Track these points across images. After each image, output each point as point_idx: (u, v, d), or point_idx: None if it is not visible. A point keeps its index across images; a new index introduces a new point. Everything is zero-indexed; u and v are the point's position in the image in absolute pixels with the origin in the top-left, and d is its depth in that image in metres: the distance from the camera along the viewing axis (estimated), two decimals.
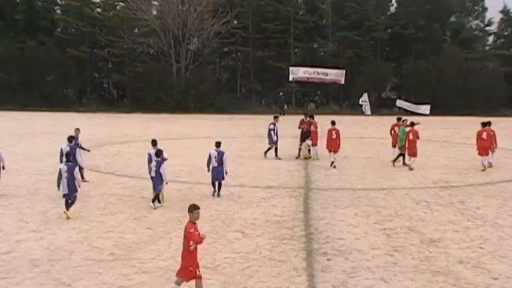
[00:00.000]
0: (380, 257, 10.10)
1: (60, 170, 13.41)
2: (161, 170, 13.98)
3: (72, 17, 57.75)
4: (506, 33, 60.66)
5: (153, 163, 14.22)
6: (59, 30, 60.29)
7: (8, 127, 31.49)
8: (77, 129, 17.70)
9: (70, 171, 13.27)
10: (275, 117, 23.42)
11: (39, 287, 8.55)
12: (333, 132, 21.26)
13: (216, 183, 15.48)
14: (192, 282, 8.00)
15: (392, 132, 21.97)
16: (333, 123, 21.62)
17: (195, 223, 8.04)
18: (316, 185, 17.16)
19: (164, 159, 14.58)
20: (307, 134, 22.46)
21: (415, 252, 10.49)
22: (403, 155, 20.80)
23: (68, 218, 12.85)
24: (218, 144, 15.66)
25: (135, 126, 35.72)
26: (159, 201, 14.19)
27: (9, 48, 54.08)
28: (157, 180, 14.08)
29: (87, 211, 13.46)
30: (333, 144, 21.15)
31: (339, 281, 8.92)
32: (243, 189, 16.20)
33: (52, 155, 22.06)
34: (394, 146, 21.66)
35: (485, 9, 60.57)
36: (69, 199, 13.24)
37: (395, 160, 20.94)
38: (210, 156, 15.47)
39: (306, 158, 22.31)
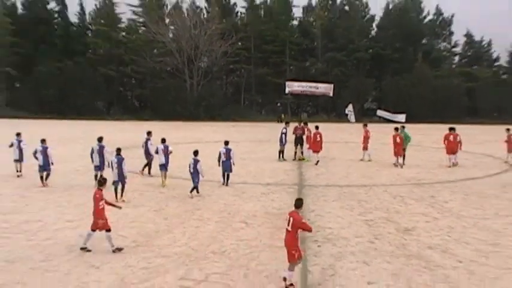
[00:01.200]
0: (362, 243, 10.09)
1: (111, 162, 14.18)
2: (198, 167, 14.38)
3: (101, 40, 58.03)
4: (469, 54, 60.75)
5: (191, 161, 14.47)
6: (90, 51, 60.55)
7: (49, 133, 31.47)
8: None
9: (119, 163, 13.85)
10: (286, 123, 23.44)
11: (73, 268, 8.56)
12: (317, 136, 21.43)
13: (225, 174, 16.10)
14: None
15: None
16: (317, 127, 21.98)
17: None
18: (308, 183, 17.14)
19: (170, 152, 16.06)
20: (300, 139, 22.48)
21: (392, 239, 10.47)
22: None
23: (122, 201, 13.39)
24: (226, 143, 16.22)
25: (154, 132, 35.67)
26: (197, 191, 14.54)
27: (50, 67, 54.34)
28: (195, 175, 14.40)
29: None
30: (317, 146, 21.34)
31: (327, 264, 8.91)
32: (246, 186, 16.19)
33: (85, 157, 22.06)
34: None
35: (451, 33, 60.74)
36: (120, 185, 13.89)
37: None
38: (220, 153, 16.03)
39: (300, 160, 22.31)
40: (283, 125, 23.73)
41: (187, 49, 53.21)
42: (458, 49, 61.27)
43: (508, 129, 22.60)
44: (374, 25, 61.70)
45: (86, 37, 60.44)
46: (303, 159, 22.26)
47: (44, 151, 16.03)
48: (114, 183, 13.89)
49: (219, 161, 16.04)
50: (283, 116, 52.36)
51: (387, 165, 21.04)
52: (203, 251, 9.52)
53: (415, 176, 18.53)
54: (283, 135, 22.33)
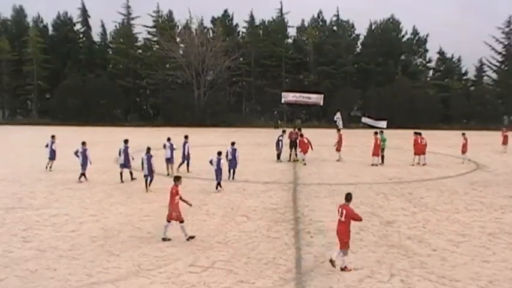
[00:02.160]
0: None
1: (142, 159, 14.84)
2: (221, 166, 14.83)
3: (120, 56, 58.10)
4: (441, 68, 60.90)
5: (215, 159, 14.81)
6: (111, 66, 60.64)
7: (73, 138, 31.50)
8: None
9: (148, 160, 14.63)
10: (283, 131, 23.49)
11: (96, 256, 8.58)
12: (305, 139, 21.64)
13: (232, 170, 16.67)
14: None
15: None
16: (300, 131, 22.44)
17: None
18: (302, 181, 17.16)
19: (174, 149, 17.14)
20: (295, 142, 22.50)
21: (376, 231, 10.49)
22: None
23: (148, 191, 14.36)
24: (233, 143, 16.71)
25: (167, 137, 35.65)
26: (220, 186, 14.84)
27: (75, 80, 54.40)
28: (218, 171, 14.76)
29: (130, 201, 13.48)
30: (306, 148, 21.43)
31: (319, 253, 8.93)
32: (247, 184, 16.21)
33: (105, 159, 22.19)
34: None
35: (426, 50, 60.91)
36: (149, 179, 14.64)
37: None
38: (227, 151, 16.54)
39: (294, 161, 22.32)
40: (279, 130, 23.85)
41: (195, 64, 53.25)
42: (432, 64, 61.44)
43: (463, 134, 22.85)
44: (359, 43, 61.75)
45: (106, 54, 60.54)
46: (297, 160, 22.29)
47: (84, 152, 16.71)
48: (145, 176, 14.71)
49: (226, 157, 16.38)
50: (279, 122, 52.32)
51: (371, 166, 21.05)
52: (209, 241, 9.54)
53: (396, 175, 18.56)
54: (280, 142, 22.44)
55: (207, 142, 32.75)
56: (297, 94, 52.44)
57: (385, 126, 46.77)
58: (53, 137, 19.29)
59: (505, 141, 27.63)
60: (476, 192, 15.13)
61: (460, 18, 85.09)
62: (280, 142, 22.42)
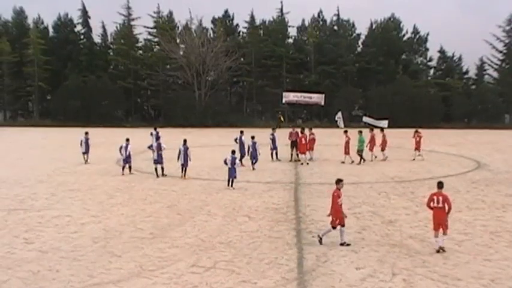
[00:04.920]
0: (351, 234, 10.10)
1: (179, 150, 16.87)
2: (235, 165, 15.22)
3: (121, 57, 58.09)
4: (442, 67, 60.72)
5: (229, 158, 15.17)
6: (111, 67, 60.64)
7: (74, 139, 31.52)
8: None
9: (185, 151, 16.75)
10: (273, 129, 23.47)
11: (98, 257, 8.58)
12: (303, 139, 21.54)
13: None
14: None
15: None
16: (302, 131, 22.15)
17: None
18: (304, 181, 17.15)
19: (163, 148, 17.69)
20: (295, 142, 22.43)
21: (378, 230, 10.48)
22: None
23: (184, 178, 16.47)
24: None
25: (168, 138, 35.70)
26: (232, 185, 15.22)
27: (76, 81, 54.44)
28: (233, 170, 15.12)
29: (132, 201, 13.50)
30: (304, 148, 21.41)
31: (321, 252, 8.92)
32: (248, 184, 16.22)
33: (107, 159, 22.25)
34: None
35: (427, 49, 60.64)
36: (185, 167, 16.76)
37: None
38: (248, 146, 18.01)
39: (295, 161, 22.30)
40: (281, 130, 23.84)
41: (196, 64, 53.22)
42: (433, 63, 61.25)
43: (416, 130, 23.02)
44: (360, 42, 61.60)
45: (107, 55, 60.48)
46: (298, 160, 22.26)
47: (126, 147, 18.18)
48: (182, 165, 16.74)
49: (248, 151, 18.83)
50: (281, 118, 51.92)
51: (372, 165, 21.04)
52: (211, 242, 9.54)
53: (397, 175, 18.54)
54: (271, 140, 22.43)
55: (208, 142, 32.76)
56: (298, 94, 52.34)
57: (386, 125, 46.81)
58: (86, 133, 21.82)
59: (417, 146, 23.07)
60: (478, 190, 15.11)
61: (460, 16, 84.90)
62: (271, 141, 22.32)
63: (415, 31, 60.64)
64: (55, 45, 58.45)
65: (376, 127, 25.47)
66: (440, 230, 8.93)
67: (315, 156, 22.84)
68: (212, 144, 30.85)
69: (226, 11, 62.28)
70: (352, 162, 21.41)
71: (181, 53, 55.80)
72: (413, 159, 22.46)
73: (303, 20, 62.70)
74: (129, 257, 8.64)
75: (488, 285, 7.40)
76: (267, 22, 61.05)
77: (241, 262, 8.34)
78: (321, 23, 62.58)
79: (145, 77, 57.38)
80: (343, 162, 21.82)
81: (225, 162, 15.21)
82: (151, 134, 24.00)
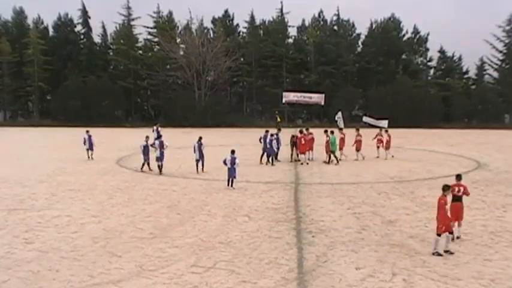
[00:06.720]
0: (351, 234, 10.10)
1: (194, 146, 18.02)
2: (235, 165, 15.16)
3: (121, 57, 58.17)
4: (442, 67, 60.77)
5: (229, 158, 15.12)
6: (111, 67, 60.77)
7: (74, 139, 31.57)
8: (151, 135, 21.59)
9: (199, 147, 17.90)
10: (266, 131, 23.22)
11: (98, 257, 8.57)
12: (302, 139, 21.52)
13: (269, 157, 20.04)
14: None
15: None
16: (301, 131, 22.31)
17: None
18: (304, 181, 17.14)
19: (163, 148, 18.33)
20: (295, 143, 22.41)
21: (378, 230, 10.47)
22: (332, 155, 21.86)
23: (199, 172, 17.66)
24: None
25: (168, 137, 35.70)
26: (232, 185, 15.19)
27: (76, 81, 54.49)
28: (232, 170, 15.11)
29: (132, 201, 13.49)
30: (304, 148, 21.41)
31: (321, 252, 8.91)
32: (248, 184, 16.20)
33: (107, 159, 22.26)
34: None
35: (427, 49, 60.73)
36: (201, 161, 17.97)
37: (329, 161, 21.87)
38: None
39: (295, 161, 22.30)
40: (282, 130, 23.80)
41: (196, 64, 53.28)
42: (433, 63, 61.34)
43: (357, 129, 23.19)
44: (360, 42, 61.72)
45: (107, 55, 60.58)
46: (299, 160, 22.26)
47: (146, 147, 18.89)
48: (196, 161, 17.95)
49: (264, 143, 20.66)
50: (278, 118, 51.92)
51: (372, 165, 21.03)
52: (211, 242, 9.53)
53: (397, 174, 18.54)
54: (261, 139, 22.13)
55: (207, 142, 32.69)
56: (298, 94, 52.01)
57: (386, 125, 46.86)
58: (87, 131, 22.85)
59: (387, 146, 23.50)
60: (478, 190, 15.10)
61: (460, 16, 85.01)
62: (261, 140, 21.79)
63: (415, 31, 60.73)
64: (55, 45, 58.58)
65: (377, 127, 25.43)
66: (456, 223, 9.48)
67: (315, 156, 22.85)
68: (212, 144, 30.82)
69: (226, 11, 62.43)
70: (364, 158, 22.69)
71: (181, 53, 55.86)
72: (385, 159, 22.97)
73: (303, 20, 62.88)
74: (129, 257, 8.62)
75: (488, 285, 7.40)
76: (267, 22, 61.16)
77: (241, 262, 8.33)
78: (321, 23, 62.68)
79: (145, 77, 57.45)
80: (356, 160, 22.71)
81: (224, 163, 15.16)
82: (153, 130, 25.48)
